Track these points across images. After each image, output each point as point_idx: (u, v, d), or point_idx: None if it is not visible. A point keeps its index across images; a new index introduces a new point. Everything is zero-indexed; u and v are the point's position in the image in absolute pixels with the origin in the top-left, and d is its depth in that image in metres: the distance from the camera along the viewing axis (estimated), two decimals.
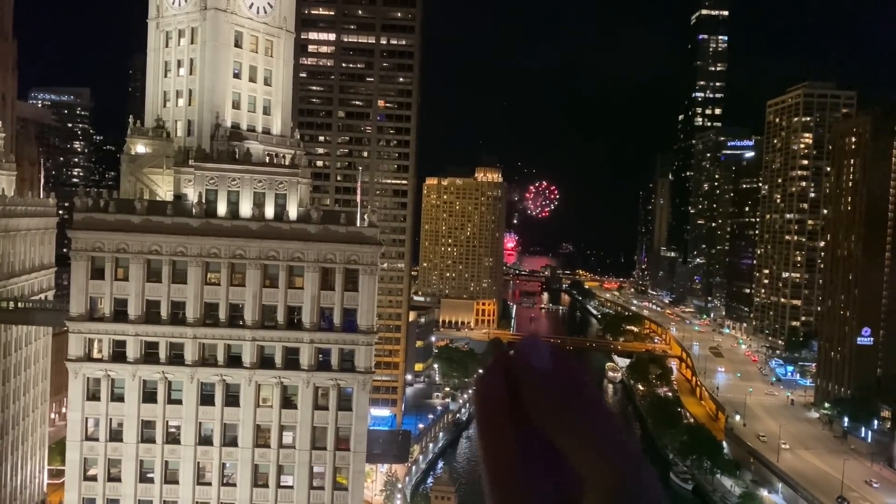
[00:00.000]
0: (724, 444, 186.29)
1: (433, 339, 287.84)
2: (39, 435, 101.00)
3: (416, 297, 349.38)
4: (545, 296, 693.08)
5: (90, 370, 67.77)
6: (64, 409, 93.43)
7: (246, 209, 68.84)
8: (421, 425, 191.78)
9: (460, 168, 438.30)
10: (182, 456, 68.52)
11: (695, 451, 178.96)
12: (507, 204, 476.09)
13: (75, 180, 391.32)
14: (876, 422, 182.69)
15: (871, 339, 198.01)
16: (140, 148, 73.54)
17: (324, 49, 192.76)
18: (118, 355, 67.98)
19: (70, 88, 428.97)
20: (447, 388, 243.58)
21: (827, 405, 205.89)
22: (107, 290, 67.49)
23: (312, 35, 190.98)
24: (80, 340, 67.79)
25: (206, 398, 68.74)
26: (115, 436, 68.29)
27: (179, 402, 68.55)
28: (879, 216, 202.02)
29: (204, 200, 68.18)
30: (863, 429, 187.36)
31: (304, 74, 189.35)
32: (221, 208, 68.68)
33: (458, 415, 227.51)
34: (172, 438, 68.71)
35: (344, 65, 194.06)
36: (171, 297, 67.95)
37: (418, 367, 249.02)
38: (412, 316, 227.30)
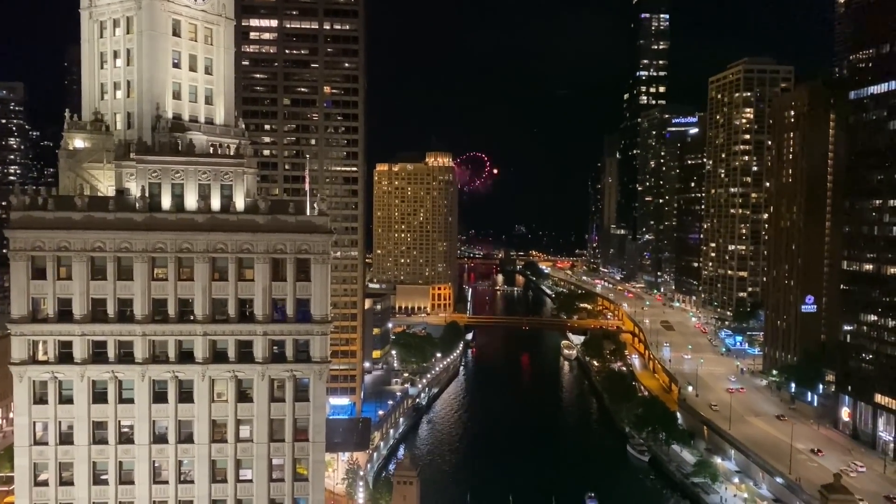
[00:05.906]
0: (678, 414, 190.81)
1: (390, 325, 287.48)
2: None
3: (371, 285, 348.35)
4: (500, 277, 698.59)
5: (36, 373, 65.91)
6: (11, 415, 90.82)
7: (191, 202, 67.41)
8: (381, 412, 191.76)
9: (410, 153, 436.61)
10: (136, 455, 67.26)
11: (650, 424, 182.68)
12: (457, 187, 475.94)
13: (12, 178, 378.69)
14: (821, 386, 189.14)
15: (815, 306, 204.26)
16: (78, 142, 71.30)
17: (266, 36, 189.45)
18: (65, 356, 66.21)
19: (2, 83, 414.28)
20: (406, 374, 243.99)
21: (775, 372, 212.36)
22: (49, 290, 65.54)
23: (254, 22, 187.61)
24: (23, 343, 65.80)
25: (159, 396, 67.51)
26: (66, 439, 66.63)
27: (131, 400, 67.12)
28: (819, 187, 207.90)
29: (147, 194, 66.56)
30: (809, 393, 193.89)
31: (246, 62, 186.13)
32: (166, 202, 67.15)
33: (417, 399, 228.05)
34: (126, 438, 67.35)
35: (287, 51, 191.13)
36: (118, 295, 66.27)
37: (376, 354, 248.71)
38: (368, 303, 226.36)
